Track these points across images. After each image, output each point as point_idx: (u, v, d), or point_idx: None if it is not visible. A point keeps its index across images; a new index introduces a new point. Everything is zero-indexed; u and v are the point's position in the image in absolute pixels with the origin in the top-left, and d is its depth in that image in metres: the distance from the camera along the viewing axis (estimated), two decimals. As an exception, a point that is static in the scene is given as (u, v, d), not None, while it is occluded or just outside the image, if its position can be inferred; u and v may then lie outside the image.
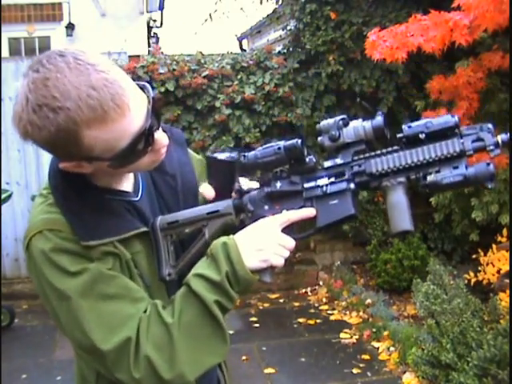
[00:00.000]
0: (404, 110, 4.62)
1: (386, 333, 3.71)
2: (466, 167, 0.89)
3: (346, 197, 0.96)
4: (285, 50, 5.01)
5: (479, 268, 3.42)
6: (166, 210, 1.10)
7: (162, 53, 4.96)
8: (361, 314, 4.14)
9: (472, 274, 3.45)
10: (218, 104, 4.62)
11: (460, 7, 2.92)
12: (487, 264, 3.36)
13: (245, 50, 8.29)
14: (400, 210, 0.92)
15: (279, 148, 0.98)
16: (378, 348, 3.65)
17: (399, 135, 0.93)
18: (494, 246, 3.40)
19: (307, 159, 0.99)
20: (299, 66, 4.80)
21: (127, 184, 1.06)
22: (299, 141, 0.97)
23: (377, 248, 4.69)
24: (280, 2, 5.58)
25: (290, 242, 0.97)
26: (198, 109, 4.64)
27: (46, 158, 4.87)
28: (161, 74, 4.54)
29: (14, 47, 6.81)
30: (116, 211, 0.99)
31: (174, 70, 4.58)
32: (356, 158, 0.97)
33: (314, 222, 0.99)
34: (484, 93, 3.54)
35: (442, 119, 0.91)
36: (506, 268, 3.23)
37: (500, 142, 0.89)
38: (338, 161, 0.98)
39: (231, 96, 4.63)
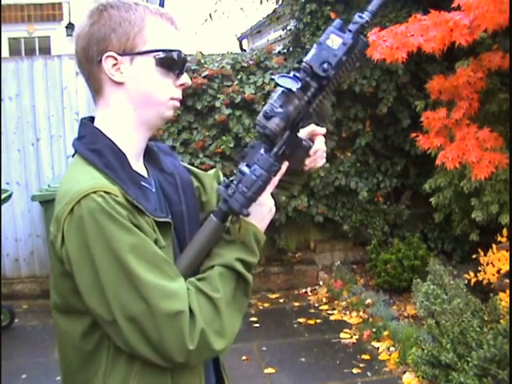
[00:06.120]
0: (404, 109, 4.62)
1: (386, 333, 3.71)
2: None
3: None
4: (285, 50, 5.01)
5: (479, 268, 3.42)
6: (168, 206, 1.13)
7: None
8: (361, 313, 4.14)
9: (472, 273, 3.45)
10: (218, 104, 4.62)
11: (460, 7, 2.92)
12: (487, 264, 3.36)
13: (245, 50, 8.29)
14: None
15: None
16: (378, 348, 3.65)
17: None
18: (494, 245, 3.40)
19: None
20: (299, 66, 4.80)
21: (144, 174, 1.11)
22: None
23: (377, 248, 4.69)
24: (280, 2, 5.58)
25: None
26: (197, 109, 4.64)
27: (46, 158, 4.84)
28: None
29: (14, 47, 6.81)
30: (146, 195, 1.03)
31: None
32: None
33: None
34: (484, 93, 3.54)
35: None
36: (506, 268, 3.23)
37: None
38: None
39: (231, 96, 4.63)
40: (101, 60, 1.01)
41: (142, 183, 1.06)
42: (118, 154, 1.02)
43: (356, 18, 1.06)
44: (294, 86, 1.03)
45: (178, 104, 1.08)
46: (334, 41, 1.04)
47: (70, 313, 0.99)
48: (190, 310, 0.94)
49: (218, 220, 1.06)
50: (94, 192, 0.92)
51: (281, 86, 1.03)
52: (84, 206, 0.91)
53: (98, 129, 1.05)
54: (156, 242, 0.98)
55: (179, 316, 0.92)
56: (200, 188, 1.26)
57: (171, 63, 1.04)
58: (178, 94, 1.08)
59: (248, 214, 1.04)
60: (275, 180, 1.09)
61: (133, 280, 0.91)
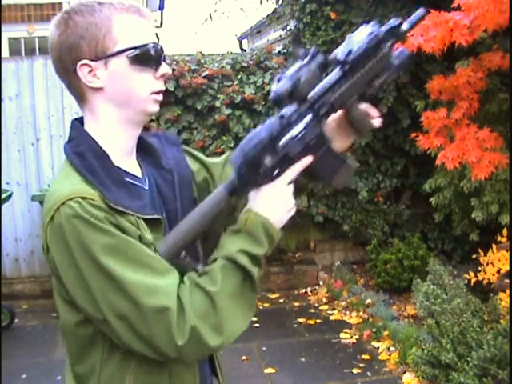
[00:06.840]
0: (404, 109, 4.62)
1: (386, 333, 3.71)
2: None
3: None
4: (285, 50, 5.01)
5: (479, 268, 3.42)
6: (162, 203, 1.14)
7: (162, 53, 4.96)
8: (361, 314, 4.14)
9: (472, 273, 3.44)
10: (218, 104, 4.62)
11: (460, 7, 2.92)
12: (487, 264, 3.36)
13: (245, 50, 8.28)
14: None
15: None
16: (378, 348, 3.65)
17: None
18: (494, 245, 3.40)
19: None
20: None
21: (136, 172, 1.11)
22: None
23: (377, 248, 4.69)
24: (280, 2, 5.58)
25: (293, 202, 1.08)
26: (197, 109, 4.64)
27: (46, 158, 4.83)
28: (161, 73, 4.55)
29: (14, 47, 6.80)
30: (134, 194, 1.03)
31: (173, 69, 4.58)
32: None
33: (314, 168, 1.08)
34: (484, 93, 3.54)
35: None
36: (506, 268, 3.23)
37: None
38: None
39: (231, 96, 4.63)
40: (76, 69, 1.01)
41: (130, 180, 1.06)
42: (101, 155, 1.02)
43: (391, 21, 1.10)
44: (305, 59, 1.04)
45: (160, 97, 1.07)
46: (361, 32, 1.07)
47: (69, 303, 1.01)
48: (181, 305, 0.93)
49: (225, 190, 1.04)
50: (71, 199, 0.93)
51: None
52: (62, 213, 0.93)
53: (85, 131, 1.06)
54: (140, 238, 0.98)
55: (166, 312, 0.92)
56: (209, 179, 1.25)
57: (146, 58, 1.02)
58: (160, 86, 1.06)
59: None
60: (295, 169, 1.05)
61: (115, 280, 0.92)
